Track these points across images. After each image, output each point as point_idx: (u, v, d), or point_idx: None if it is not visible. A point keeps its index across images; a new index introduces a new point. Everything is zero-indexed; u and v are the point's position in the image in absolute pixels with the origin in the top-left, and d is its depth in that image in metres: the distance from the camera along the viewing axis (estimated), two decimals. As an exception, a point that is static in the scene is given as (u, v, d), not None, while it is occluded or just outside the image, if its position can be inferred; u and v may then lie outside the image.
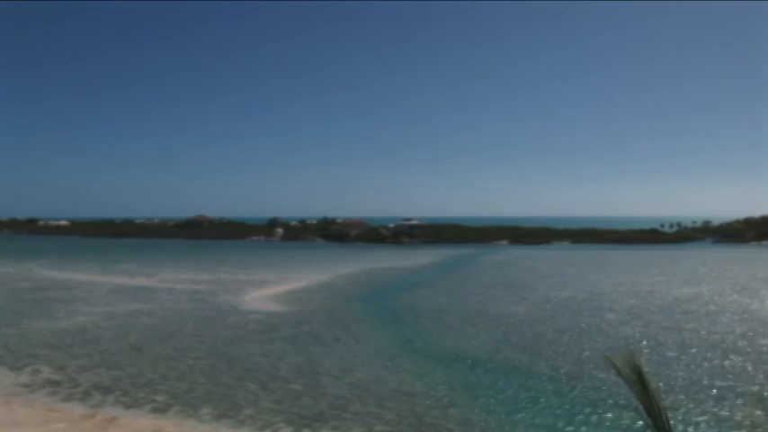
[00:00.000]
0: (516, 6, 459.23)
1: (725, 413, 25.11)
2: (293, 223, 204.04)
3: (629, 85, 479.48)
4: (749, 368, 32.75)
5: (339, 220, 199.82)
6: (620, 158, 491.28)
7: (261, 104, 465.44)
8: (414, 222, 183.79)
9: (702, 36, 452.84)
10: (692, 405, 26.32)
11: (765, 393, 26.67)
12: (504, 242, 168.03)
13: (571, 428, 23.99)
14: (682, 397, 27.44)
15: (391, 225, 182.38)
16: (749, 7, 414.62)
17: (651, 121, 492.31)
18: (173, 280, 76.92)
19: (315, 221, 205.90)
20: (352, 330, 44.83)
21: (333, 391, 28.97)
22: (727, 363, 34.03)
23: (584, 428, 24.01)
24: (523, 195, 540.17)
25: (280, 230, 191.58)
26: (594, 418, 25.04)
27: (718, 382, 29.88)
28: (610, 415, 25.31)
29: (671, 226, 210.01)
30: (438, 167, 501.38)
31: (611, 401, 26.98)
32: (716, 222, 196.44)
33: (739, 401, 26.58)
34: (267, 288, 68.56)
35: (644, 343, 39.37)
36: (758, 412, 17.79)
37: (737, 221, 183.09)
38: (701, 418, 24.68)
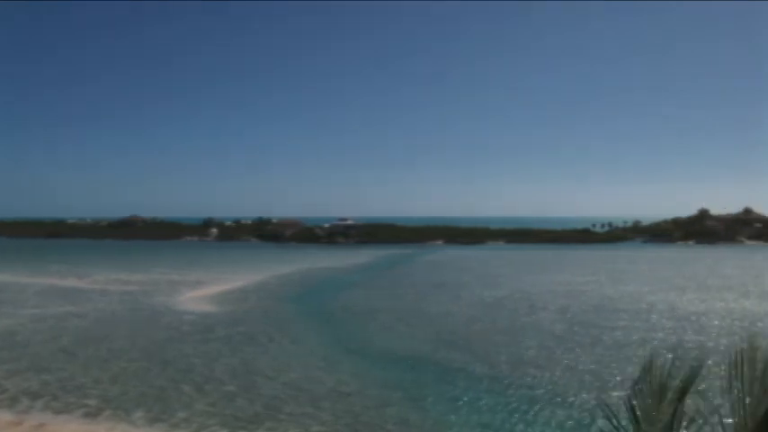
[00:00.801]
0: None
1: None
2: (228, 223, 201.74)
3: (567, 85, 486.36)
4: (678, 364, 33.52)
5: (274, 220, 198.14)
6: (555, 159, 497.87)
7: (195, 105, 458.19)
8: (349, 222, 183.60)
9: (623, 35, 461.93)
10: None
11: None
12: (440, 242, 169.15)
13: (507, 426, 24.34)
14: (617, 393, 28.05)
15: (326, 225, 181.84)
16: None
17: (587, 124, 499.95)
18: (105, 281, 75.49)
19: (250, 221, 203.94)
20: (288, 330, 44.69)
21: (268, 391, 28.86)
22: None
23: (520, 426, 24.38)
24: (457, 195, 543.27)
25: (214, 230, 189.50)
26: (530, 415, 25.46)
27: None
28: (545, 412, 25.77)
29: (603, 226, 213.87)
30: (374, 168, 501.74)
31: (546, 399, 27.48)
32: (645, 222, 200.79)
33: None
34: (201, 289, 67.84)
35: (576, 340, 40.12)
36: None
37: (666, 221, 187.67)
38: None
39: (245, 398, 27.81)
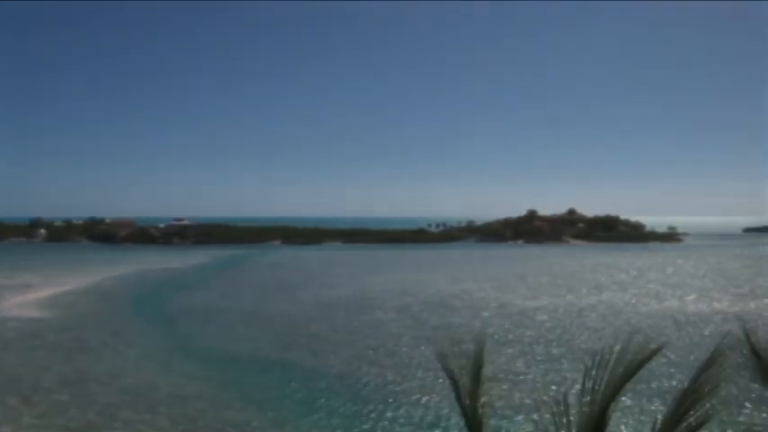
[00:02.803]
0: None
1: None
2: (57, 223, 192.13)
3: (400, 85, 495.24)
4: (503, 359, 35.28)
5: (107, 221, 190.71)
6: (390, 161, 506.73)
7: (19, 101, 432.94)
8: (185, 222, 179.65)
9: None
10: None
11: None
12: (278, 242, 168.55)
13: (346, 424, 24.83)
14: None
15: (162, 225, 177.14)
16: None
17: (416, 125, 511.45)
18: None
19: (81, 222, 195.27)
20: (123, 334, 43.45)
21: (102, 399, 27.98)
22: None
23: (356, 422, 24.94)
24: (294, 195, 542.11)
25: (42, 231, 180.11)
26: (371, 415, 26.07)
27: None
28: (371, 408, 26.47)
29: (437, 226, 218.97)
30: (209, 167, 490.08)
31: (375, 397, 28.22)
32: (479, 223, 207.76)
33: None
34: (29, 293, 64.36)
35: (412, 339, 41.24)
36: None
37: (497, 221, 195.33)
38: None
39: (77, 407, 26.82)
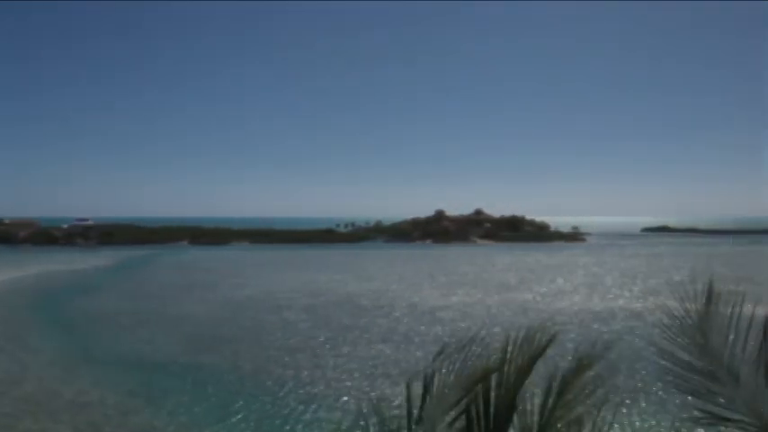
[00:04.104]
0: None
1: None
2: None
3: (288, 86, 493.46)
4: (401, 356, 35.51)
5: (6, 221, 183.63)
6: (302, 161, 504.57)
7: None
8: (89, 223, 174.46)
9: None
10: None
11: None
12: (185, 242, 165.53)
13: (262, 427, 24.51)
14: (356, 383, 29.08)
15: (65, 226, 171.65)
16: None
17: (324, 126, 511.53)
18: None
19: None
20: (21, 340, 41.74)
21: (-1, 408, 26.86)
22: (401, 353, 36.67)
23: (272, 425, 24.65)
24: (203, 195, 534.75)
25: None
26: (279, 417, 25.79)
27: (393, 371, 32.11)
28: (287, 411, 26.26)
29: (346, 226, 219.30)
30: (120, 166, 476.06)
31: (290, 398, 28.00)
32: (387, 222, 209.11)
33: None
34: None
35: (322, 338, 41.11)
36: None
37: (405, 222, 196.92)
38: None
39: (-29, 417, 25.67)
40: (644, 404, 25.46)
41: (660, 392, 25.36)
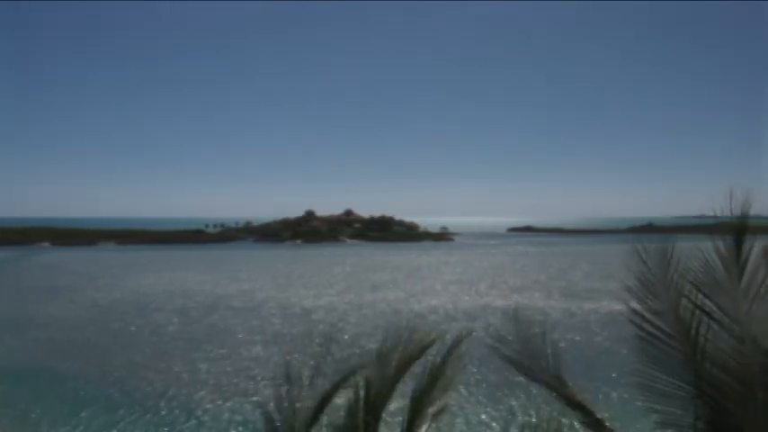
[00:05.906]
0: None
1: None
2: None
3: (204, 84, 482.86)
4: (279, 359, 36.11)
5: None
6: (170, 162, 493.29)
7: None
8: None
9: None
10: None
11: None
12: (46, 244, 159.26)
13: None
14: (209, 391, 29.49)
15: None
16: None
17: (192, 124, 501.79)
18: None
19: None
20: None
21: None
22: (266, 354, 37.18)
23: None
24: (58, 195, 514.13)
25: None
26: (159, 422, 25.85)
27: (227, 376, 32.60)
28: (159, 417, 26.31)
29: (215, 226, 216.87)
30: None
31: (164, 404, 27.98)
32: (257, 223, 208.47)
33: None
34: None
35: (194, 340, 41.02)
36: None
37: (276, 222, 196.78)
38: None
39: None
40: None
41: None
